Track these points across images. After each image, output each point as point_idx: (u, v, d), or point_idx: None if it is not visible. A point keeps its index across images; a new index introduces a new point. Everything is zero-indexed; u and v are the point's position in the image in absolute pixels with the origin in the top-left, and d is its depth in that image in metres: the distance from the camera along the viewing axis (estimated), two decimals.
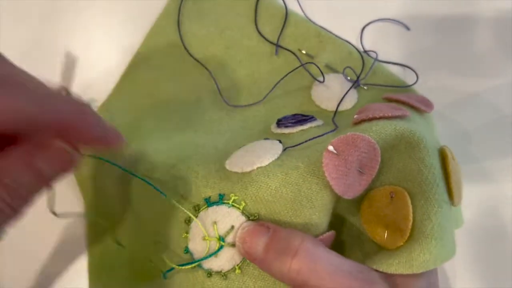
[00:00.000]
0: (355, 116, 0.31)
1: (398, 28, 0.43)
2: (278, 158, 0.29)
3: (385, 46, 0.42)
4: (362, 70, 0.40)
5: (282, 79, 0.40)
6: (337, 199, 0.29)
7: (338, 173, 0.27)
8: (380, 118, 0.30)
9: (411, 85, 0.39)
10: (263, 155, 0.30)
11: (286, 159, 0.29)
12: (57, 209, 0.37)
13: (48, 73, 0.40)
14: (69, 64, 0.27)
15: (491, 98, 0.41)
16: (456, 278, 0.38)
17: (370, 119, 0.30)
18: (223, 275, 0.28)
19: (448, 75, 0.41)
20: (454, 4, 0.43)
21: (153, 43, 0.43)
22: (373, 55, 0.41)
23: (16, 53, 0.41)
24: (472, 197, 0.38)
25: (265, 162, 0.29)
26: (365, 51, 0.41)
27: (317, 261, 0.25)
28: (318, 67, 0.39)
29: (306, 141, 0.30)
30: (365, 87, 0.39)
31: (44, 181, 0.22)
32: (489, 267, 0.38)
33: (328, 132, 0.31)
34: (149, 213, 0.34)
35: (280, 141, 0.32)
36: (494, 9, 0.42)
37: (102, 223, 0.38)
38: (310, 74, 0.40)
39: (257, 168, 0.29)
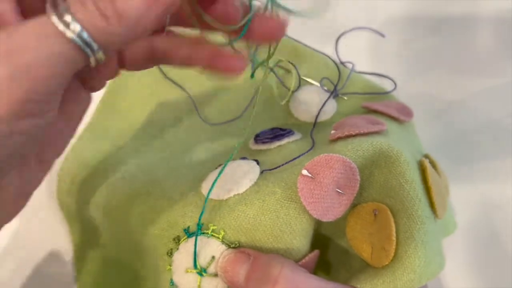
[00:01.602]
0: (332, 132, 0.31)
1: (397, 26, 0.43)
2: (255, 183, 0.29)
3: (369, 53, 0.42)
4: (338, 80, 0.40)
5: (257, 92, 0.40)
6: (318, 221, 0.29)
7: (314, 197, 0.27)
8: (356, 135, 0.30)
9: (390, 91, 0.39)
10: (240, 181, 0.29)
11: (263, 184, 0.29)
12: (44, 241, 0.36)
13: None
14: None
15: (481, 102, 0.41)
16: (448, 280, 0.38)
17: (346, 137, 0.30)
18: None
19: (445, 75, 0.41)
20: (454, 4, 0.43)
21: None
22: (349, 66, 0.41)
23: None
24: (462, 200, 0.38)
25: (242, 189, 0.29)
26: (342, 63, 0.41)
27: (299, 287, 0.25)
28: (298, 73, 0.39)
29: (282, 165, 0.30)
30: (345, 97, 0.39)
31: None
32: (481, 269, 0.38)
33: (304, 154, 0.30)
34: (134, 244, 0.34)
35: (257, 162, 0.31)
36: (494, 9, 0.43)
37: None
38: (283, 85, 0.40)
39: (234, 195, 0.29)
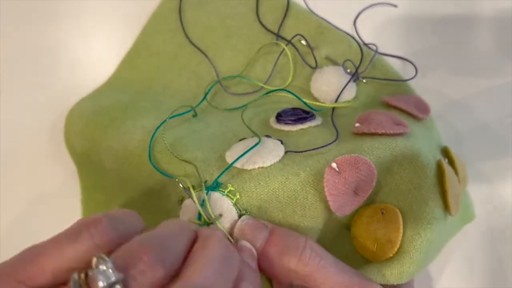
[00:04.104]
0: (356, 125, 0.32)
1: (397, 26, 0.43)
2: (280, 161, 0.30)
3: (383, 40, 0.42)
4: (360, 62, 0.40)
5: (274, 65, 0.41)
6: (328, 216, 0.30)
7: (336, 190, 0.29)
8: (382, 134, 0.31)
9: (410, 79, 0.40)
10: (265, 156, 0.30)
11: (288, 163, 0.30)
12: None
13: (47, 73, 0.42)
14: None
15: (481, 102, 0.41)
16: (448, 280, 0.39)
17: (372, 134, 0.31)
18: None
19: (445, 76, 0.41)
20: (454, 4, 0.43)
21: (154, 29, 0.43)
22: (373, 47, 0.41)
23: (15, 55, 0.42)
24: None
25: (267, 163, 0.30)
26: (365, 44, 0.41)
27: (323, 257, 0.27)
28: (314, 55, 0.39)
29: (308, 150, 0.31)
30: (364, 80, 0.40)
31: None
32: (481, 269, 0.39)
33: (330, 144, 0.32)
34: (147, 189, 0.35)
35: (281, 142, 0.32)
36: (494, 9, 0.42)
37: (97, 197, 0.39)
38: (305, 61, 0.40)
39: (259, 168, 0.30)
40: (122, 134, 0.35)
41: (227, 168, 0.29)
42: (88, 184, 0.39)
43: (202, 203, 0.28)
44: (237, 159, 0.30)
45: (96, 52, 0.42)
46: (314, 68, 0.40)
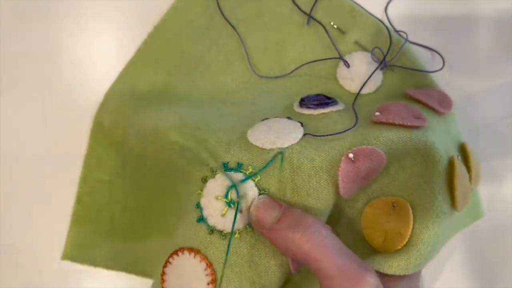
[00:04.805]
0: (376, 114, 0.33)
1: (397, 26, 0.42)
2: (297, 143, 0.31)
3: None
4: (388, 50, 0.40)
5: (312, 62, 0.41)
6: (338, 200, 0.32)
7: (348, 178, 0.30)
8: (399, 125, 0.32)
9: (437, 70, 0.40)
10: (283, 136, 0.32)
11: (305, 146, 0.31)
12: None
13: (47, 73, 0.42)
14: None
15: (481, 102, 0.41)
16: (448, 280, 0.40)
17: (389, 124, 0.32)
18: (223, 235, 0.30)
19: (445, 75, 0.41)
20: (454, 4, 0.42)
21: (187, 1, 0.43)
22: (404, 35, 0.41)
23: (16, 54, 0.42)
24: None
25: (285, 144, 0.31)
26: (396, 31, 0.41)
27: (325, 238, 0.28)
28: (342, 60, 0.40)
29: (326, 135, 0.32)
30: (391, 69, 0.40)
31: None
32: (488, 265, 0.40)
33: (348, 130, 0.32)
34: (166, 169, 0.37)
35: (301, 124, 0.33)
36: (494, 9, 0.42)
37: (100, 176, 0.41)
38: (339, 53, 0.41)
39: (277, 148, 0.31)
40: (155, 114, 0.37)
41: (267, 164, 0.31)
42: (93, 161, 0.41)
43: (233, 184, 0.30)
44: (272, 159, 0.31)
45: (96, 52, 0.42)
46: (343, 58, 0.40)
